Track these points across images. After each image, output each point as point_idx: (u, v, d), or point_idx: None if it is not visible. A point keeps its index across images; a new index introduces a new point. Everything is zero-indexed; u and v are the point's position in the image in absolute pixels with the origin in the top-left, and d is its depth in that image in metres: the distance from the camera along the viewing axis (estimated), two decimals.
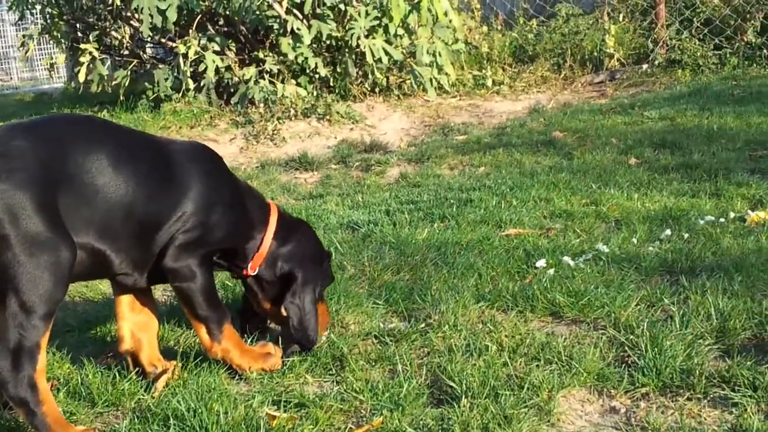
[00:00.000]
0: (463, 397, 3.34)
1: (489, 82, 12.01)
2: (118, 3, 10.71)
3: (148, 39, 11.56)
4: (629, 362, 3.59)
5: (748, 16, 11.94)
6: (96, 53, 11.19)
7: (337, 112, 10.19)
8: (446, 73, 11.08)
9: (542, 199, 6.20)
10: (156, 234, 3.49)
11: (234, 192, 3.80)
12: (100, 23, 11.76)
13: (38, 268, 3.07)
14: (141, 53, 11.89)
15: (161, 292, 4.82)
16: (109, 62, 12.09)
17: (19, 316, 3.07)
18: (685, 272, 4.54)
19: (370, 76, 11.02)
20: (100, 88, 11.38)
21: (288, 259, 3.89)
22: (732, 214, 5.45)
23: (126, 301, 3.74)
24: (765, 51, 11.70)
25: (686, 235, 5.14)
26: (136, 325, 3.75)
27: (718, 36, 11.97)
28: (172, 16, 10.03)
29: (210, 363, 3.72)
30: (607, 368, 3.53)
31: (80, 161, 3.29)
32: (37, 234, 3.07)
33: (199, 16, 10.64)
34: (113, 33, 11.66)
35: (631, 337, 3.76)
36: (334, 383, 3.64)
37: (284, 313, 3.82)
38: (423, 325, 4.09)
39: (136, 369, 3.74)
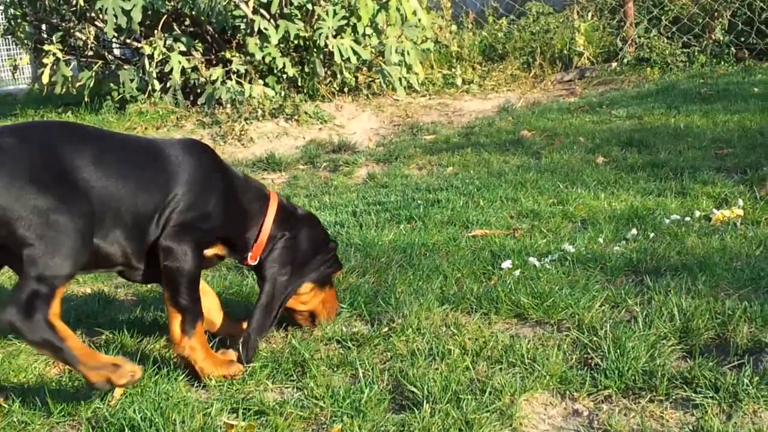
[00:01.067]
0: (425, 402, 3.31)
1: (459, 81, 12.00)
2: (82, 3, 10.61)
3: (113, 40, 11.45)
4: (592, 364, 3.58)
5: (716, 14, 11.98)
6: (60, 54, 11.07)
7: (305, 113, 10.14)
8: (415, 72, 11.05)
9: (509, 199, 6.18)
10: (151, 222, 3.59)
11: (228, 182, 3.87)
12: (64, 24, 11.66)
13: (57, 232, 3.21)
14: (106, 54, 11.79)
15: (125, 295, 4.78)
16: (73, 63, 11.96)
17: (36, 273, 3.18)
18: (649, 272, 4.54)
19: (338, 75, 10.97)
20: (64, 90, 11.24)
21: (289, 246, 3.98)
22: (697, 213, 5.45)
23: None
24: (733, 49, 11.74)
25: (652, 235, 5.13)
26: (204, 310, 3.81)
27: (686, 34, 12.00)
28: (137, 16, 9.95)
29: (168, 371, 3.68)
30: (570, 371, 3.51)
31: (68, 160, 3.39)
32: (49, 204, 3.22)
33: (165, 17, 10.57)
34: (77, 34, 11.55)
35: (595, 338, 3.75)
36: (295, 389, 3.60)
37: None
38: (386, 329, 4.05)
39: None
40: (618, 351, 3.56)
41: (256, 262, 3.94)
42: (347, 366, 3.72)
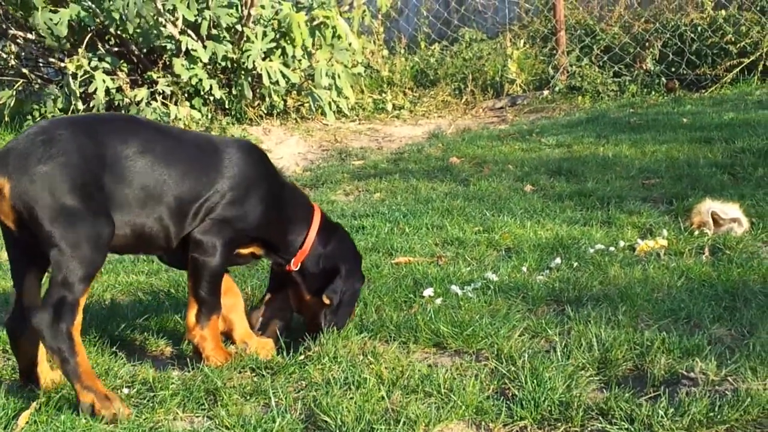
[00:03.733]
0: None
1: (389, 107, 11.98)
2: (19, 16, 10.46)
3: (38, 56, 11.28)
4: (509, 395, 3.55)
5: (647, 44, 12.08)
6: None
7: (232, 136, 10.04)
8: (345, 97, 10.99)
9: (435, 226, 6.14)
10: (194, 212, 3.85)
11: (273, 188, 4.13)
12: None
13: (79, 240, 3.48)
14: (28, 73, 11.59)
15: None
16: None
17: (61, 281, 3.46)
18: (571, 302, 4.52)
19: (266, 98, 10.90)
20: None
21: (331, 256, 4.26)
22: (622, 243, 5.45)
23: None
24: (663, 79, 11.83)
25: (575, 264, 5.12)
26: (225, 308, 4.10)
27: (617, 63, 12.08)
28: (63, 30, 9.82)
29: (74, 397, 3.59)
30: (487, 401, 3.48)
31: (118, 149, 3.69)
32: (77, 211, 3.49)
33: (90, 35, 10.42)
34: None
35: (513, 368, 3.72)
36: (206, 418, 3.53)
37: (326, 301, 4.18)
38: (302, 357, 4.00)
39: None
40: (535, 381, 3.53)
41: (297, 268, 4.21)
42: (260, 395, 3.66)
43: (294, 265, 4.20)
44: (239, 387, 3.72)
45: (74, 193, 3.50)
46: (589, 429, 3.28)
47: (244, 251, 4.10)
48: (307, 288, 4.26)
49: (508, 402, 3.47)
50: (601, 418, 3.32)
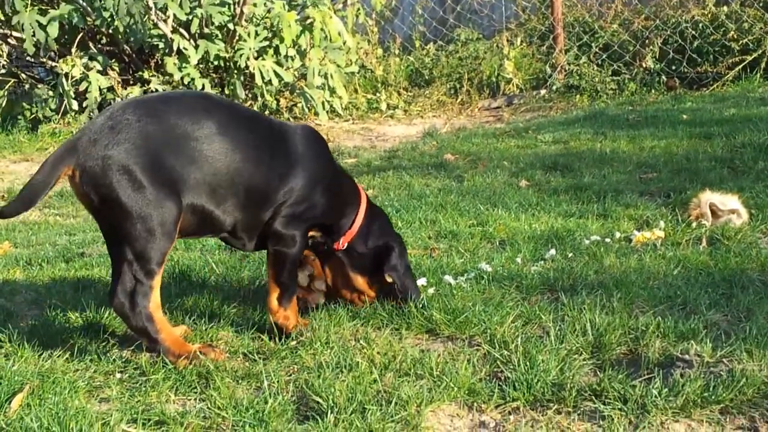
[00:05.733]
0: (329, 412, 3.25)
1: (383, 106, 11.98)
2: (2, 18, 10.44)
3: (29, 57, 11.26)
4: (502, 377, 3.53)
5: (647, 41, 12.05)
6: None
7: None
8: (339, 96, 10.98)
9: (429, 220, 6.11)
10: (263, 201, 3.97)
11: (334, 174, 4.29)
12: None
13: (147, 224, 3.62)
14: (19, 73, 11.57)
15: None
16: None
17: (133, 264, 3.67)
18: (565, 290, 4.49)
19: (259, 98, 10.88)
20: None
21: (381, 235, 4.40)
22: (618, 234, 5.43)
23: None
24: (663, 77, 11.80)
25: (570, 255, 5.11)
26: None
27: (616, 61, 12.05)
28: (53, 32, 9.80)
29: (67, 381, 3.57)
30: (479, 383, 3.46)
31: (189, 130, 3.76)
32: (144, 194, 3.61)
33: (81, 35, 10.40)
34: None
35: (505, 352, 3.70)
36: (198, 401, 3.51)
37: (388, 279, 4.29)
38: (294, 342, 3.98)
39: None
40: (528, 364, 3.52)
41: (344, 248, 4.33)
42: (252, 378, 3.65)
43: (342, 245, 4.32)
44: (231, 371, 3.70)
45: (141, 177, 3.61)
46: (582, 409, 3.26)
47: (308, 233, 4.24)
48: (352, 265, 4.37)
49: (500, 384, 3.45)
50: (594, 398, 3.30)
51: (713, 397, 3.24)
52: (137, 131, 3.65)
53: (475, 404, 3.35)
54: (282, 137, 4.09)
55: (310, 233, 4.21)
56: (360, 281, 4.37)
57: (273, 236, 4.01)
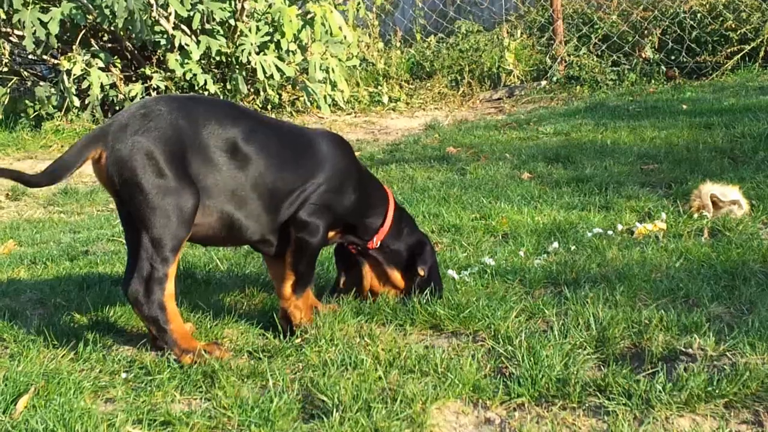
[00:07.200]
0: (335, 410, 3.25)
1: (385, 99, 11.99)
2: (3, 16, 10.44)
3: (31, 54, 11.26)
4: (506, 373, 3.54)
5: (646, 32, 12.06)
6: None
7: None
8: (340, 90, 10.99)
9: (432, 213, 6.12)
10: (289, 204, 4.02)
11: (359, 175, 4.33)
12: None
13: (166, 210, 3.68)
14: (21, 70, 11.58)
15: None
16: None
17: (149, 251, 3.73)
18: (568, 283, 4.50)
19: (261, 93, 10.89)
20: None
21: (410, 233, 4.49)
22: (620, 227, 5.43)
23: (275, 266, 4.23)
24: (663, 67, 11.80)
25: (573, 248, 5.11)
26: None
27: (616, 52, 12.07)
28: (54, 28, 9.80)
29: (73, 381, 3.58)
30: (484, 379, 3.47)
31: (214, 133, 3.85)
32: (165, 182, 3.69)
33: (83, 32, 10.41)
34: None
35: (510, 348, 3.71)
36: (203, 400, 3.51)
37: (420, 273, 4.40)
38: (299, 339, 3.99)
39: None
40: (532, 359, 3.53)
41: (377, 246, 4.40)
42: (257, 376, 3.65)
43: (374, 244, 4.38)
44: (236, 370, 3.70)
45: (165, 165, 3.69)
46: (586, 405, 3.27)
47: (330, 234, 4.26)
48: (388, 262, 4.45)
49: (505, 380, 3.46)
50: (598, 394, 3.31)
51: (717, 392, 3.25)
52: (168, 122, 3.75)
53: (480, 401, 3.36)
54: (308, 143, 4.17)
55: (331, 233, 4.26)
56: (397, 275, 4.46)
57: (297, 224, 4.04)
